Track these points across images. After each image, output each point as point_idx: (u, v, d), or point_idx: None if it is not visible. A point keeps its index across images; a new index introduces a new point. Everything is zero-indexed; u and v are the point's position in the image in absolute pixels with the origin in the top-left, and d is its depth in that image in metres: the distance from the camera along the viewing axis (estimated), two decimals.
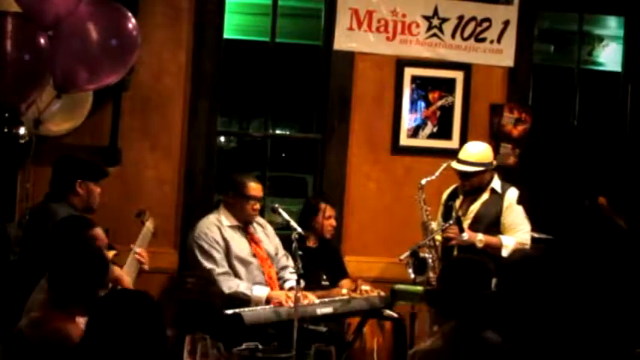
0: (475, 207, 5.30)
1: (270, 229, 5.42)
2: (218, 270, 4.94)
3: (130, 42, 4.55)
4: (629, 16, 6.58)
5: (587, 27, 7.05)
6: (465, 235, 5.12)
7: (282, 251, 5.34)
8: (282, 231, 5.46)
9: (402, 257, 4.98)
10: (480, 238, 5.14)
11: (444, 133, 6.16)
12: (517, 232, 5.18)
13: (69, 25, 4.32)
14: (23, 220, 4.84)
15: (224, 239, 5.05)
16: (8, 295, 4.26)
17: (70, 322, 3.06)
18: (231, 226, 5.13)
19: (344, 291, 5.19)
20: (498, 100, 6.24)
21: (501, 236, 5.19)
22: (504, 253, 5.13)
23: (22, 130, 4.70)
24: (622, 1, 6.53)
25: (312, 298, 4.86)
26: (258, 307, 4.68)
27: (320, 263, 5.45)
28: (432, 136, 6.16)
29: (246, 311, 4.53)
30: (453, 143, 6.00)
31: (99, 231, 3.62)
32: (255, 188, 5.15)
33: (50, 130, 5.12)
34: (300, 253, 4.53)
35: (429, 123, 6.16)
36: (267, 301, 4.83)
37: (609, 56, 7.53)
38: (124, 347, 2.55)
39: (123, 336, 2.56)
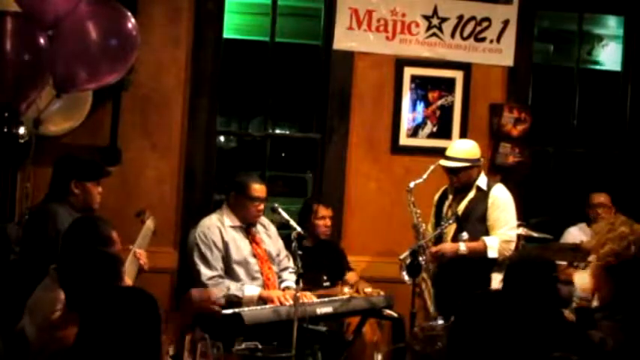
0: (462, 205, 5.29)
1: (273, 229, 5.36)
2: (208, 274, 4.91)
3: (129, 42, 4.55)
4: (628, 15, 6.58)
5: (587, 26, 7.05)
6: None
7: (284, 252, 5.31)
8: (282, 230, 5.47)
9: (402, 257, 4.98)
10: (462, 247, 5.10)
11: (444, 132, 6.16)
12: (502, 228, 5.19)
13: (69, 25, 4.32)
14: (23, 220, 4.84)
15: (224, 242, 5.01)
16: (8, 294, 4.25)
17: None
18: (233, 227, 5.10)
19: (346, 290, 5.18)
20: (498, 100, 6.24)
21: (484, 238, 5.17)
22: (490, 254, 5.13)
23: (22, 130, 4.71)
24: (622, 1, 6.54)
25: (309, 297, 4.86)
26: (258, 307, 4.67)
27: (319, 263, 5.45)
28: (431, 135, 6.16)
29: (245, 311, 4.53)
30: None
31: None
32: (258, 189, 5.08)
33: (50, 130, 5.12)
34: (299, 252, 4.53)
35: (429, 122, 6.17)
36: (260, 300, 4.82)
37: (609, 56, 7.54)
38: (119, 342, 2.54)
39: (119, 331, 2.55)
